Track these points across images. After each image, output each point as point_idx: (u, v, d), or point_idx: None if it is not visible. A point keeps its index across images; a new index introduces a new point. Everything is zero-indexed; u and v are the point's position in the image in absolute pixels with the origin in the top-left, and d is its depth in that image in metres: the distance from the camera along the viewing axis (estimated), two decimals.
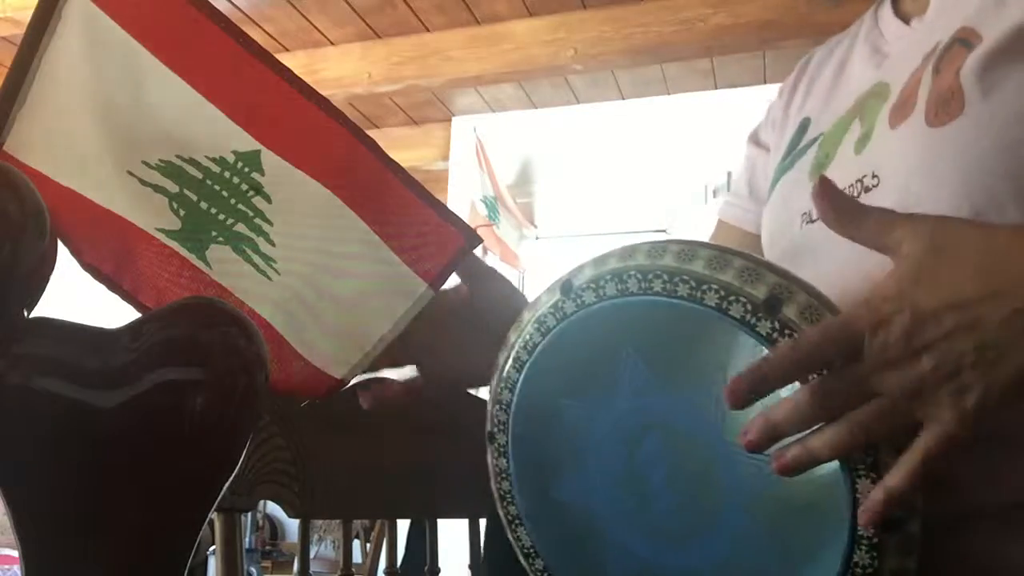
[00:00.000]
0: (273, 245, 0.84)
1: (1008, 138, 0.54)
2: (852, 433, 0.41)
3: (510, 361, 0.55)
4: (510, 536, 0.58)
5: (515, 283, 0.66)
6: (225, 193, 0.81)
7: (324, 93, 0.83)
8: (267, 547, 4.42)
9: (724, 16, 2.89)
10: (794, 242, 0.68)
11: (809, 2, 2.76)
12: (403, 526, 2.38)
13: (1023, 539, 0.51)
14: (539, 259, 3.64)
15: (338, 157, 0.83)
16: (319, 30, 3.24)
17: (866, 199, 0.62)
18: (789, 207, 0.72)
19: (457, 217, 0.94)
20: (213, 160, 0.80)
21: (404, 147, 3.93)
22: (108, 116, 0.77)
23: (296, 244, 0.85)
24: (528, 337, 0.54)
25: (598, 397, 0.52)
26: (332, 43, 3.33)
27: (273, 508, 4.02)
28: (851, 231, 0.46)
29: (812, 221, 0.67)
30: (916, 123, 0.59)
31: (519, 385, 0.55)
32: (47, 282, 0.48)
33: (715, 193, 3.32)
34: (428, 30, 3.23)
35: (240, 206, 0.82)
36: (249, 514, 3.50)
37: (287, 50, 3.36)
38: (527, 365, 0.54)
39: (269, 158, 0.80)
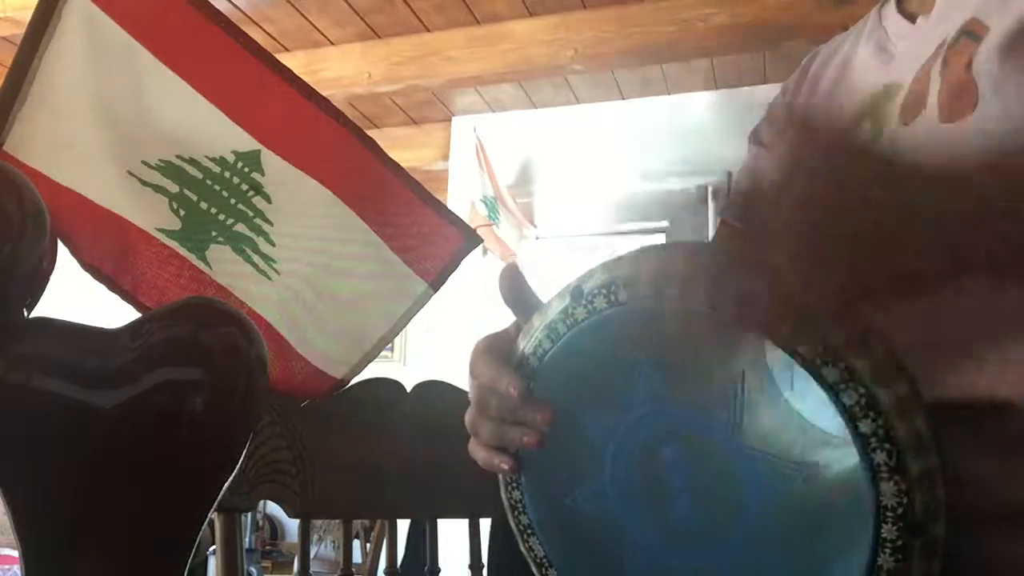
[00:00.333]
0: (273, 245, 0.84)
1: (1022, 130, 0.53)
2: None
3: (520, 368, 0.55)
4: (522, 546, 0.57)
5: None
6: (225, 193, 0.82)
7: (324, 93, 0.83)
8: (267, 547, 4.42)
9: (724, 16, 2.89)
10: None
11: (809, 2, 2.76)
12: (403, 526, 2.37)
13: None
14: (539, 259, 3.64)
15: (338, 157, 0.83)
16: (319, 30, 3.24)
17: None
18: None
19: (457, 217, 0.94)
20: (213, 160, 0.80)
21: (404, 147, 3.93)
22: (108, 116, 0.77)
23: (296, 244, 0.85)
24: (538, 343, 0.53)
25: (612, 403, 0.51)
26: (332, 43, 3.32)
27: (273, 508, 4.02)
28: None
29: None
30: (928, 119, 0.59)
31: (530, 393, 0.54)
32: (47, 282, 0.48)
33: (715, 193, 3.32)
34: (428, 30, 3.23)
35: (240, 206, 0.82)
36: (249, 514, 3.50)
37: (287, 50, 3.36)
38: (538, 372, 0.54)
39: (269, 158, 0.80)
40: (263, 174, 0.81)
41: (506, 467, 0.55)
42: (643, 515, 0.51)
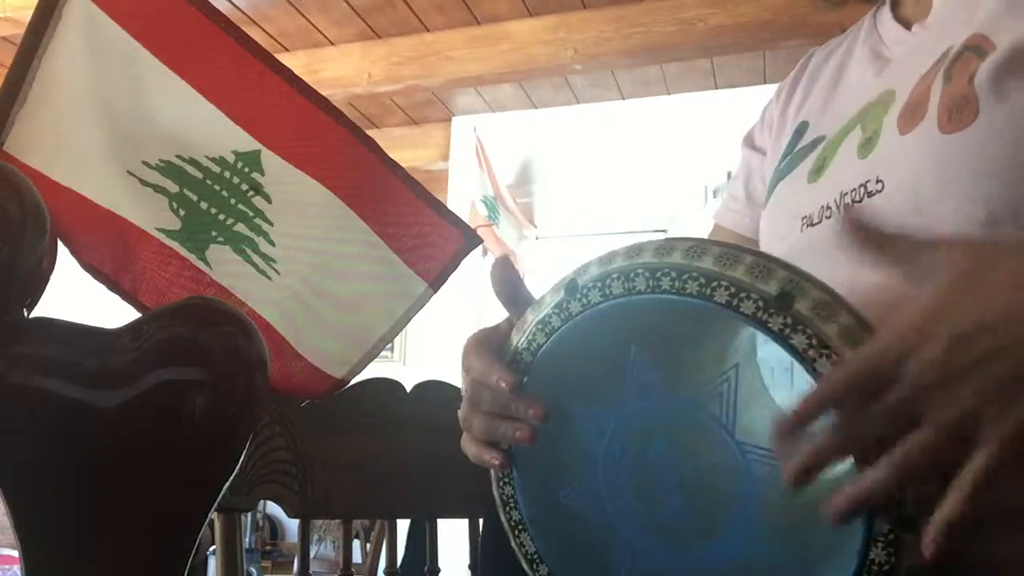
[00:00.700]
0: (273, 245, 0.84)
1: (1023, 143, 0.53)
2: (899, 468, 0.41)
3: (514, 363, 0.55)
4: (513, 542, 0.57)
5: None
6: (225, 193, 0.82)
7: (324, 93, 0.83)
8: (267, 547, 4.42)
9: (724, 16, 2.89)
10: (795, 246, 0.68)
11: (809, 2, 2.76)
12: (403, 526, 2.37)
13: None
14: (539, 259, 3.64)
15: (338, 157, 0.83)
16: (319, 30, 3.24)
17: (868, 203, 0.62)
18: (788, 210, 0.71)
19: (457, 217, 0.94)
20: (213, 160, 0.80)
21: (404, 147, 3.93)
22: (108, 116, 0.77)
23: (296, 244, 0.85)
24: (532, 338, 0.53)
25: (605, 398, 0.51)
26: (332, 43, 3.33)
27: (273, 508, 4.02)
28: (881, 260, 0.46)
29: (813, 225, 0.67)
30: (928, 129, 0.59)
31: (523, 387, 0.54)
32: (47, 282, 0.48)
33: (715, 193, 3.32)
34: (428, 30, 3.23)
35: (240, 206, 0.82)
36: (249, 514, 3.50)
37: (287, 50, 3.36)
38: (531, 367, 0.53)
39: (269, 158, 0.81)
40: (263, 174, 0.81)
41: (496, 463, 0.55)
42: (635, 511, 0.51)
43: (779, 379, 0.45)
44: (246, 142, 0.80)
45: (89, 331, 0.48)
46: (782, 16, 2.82)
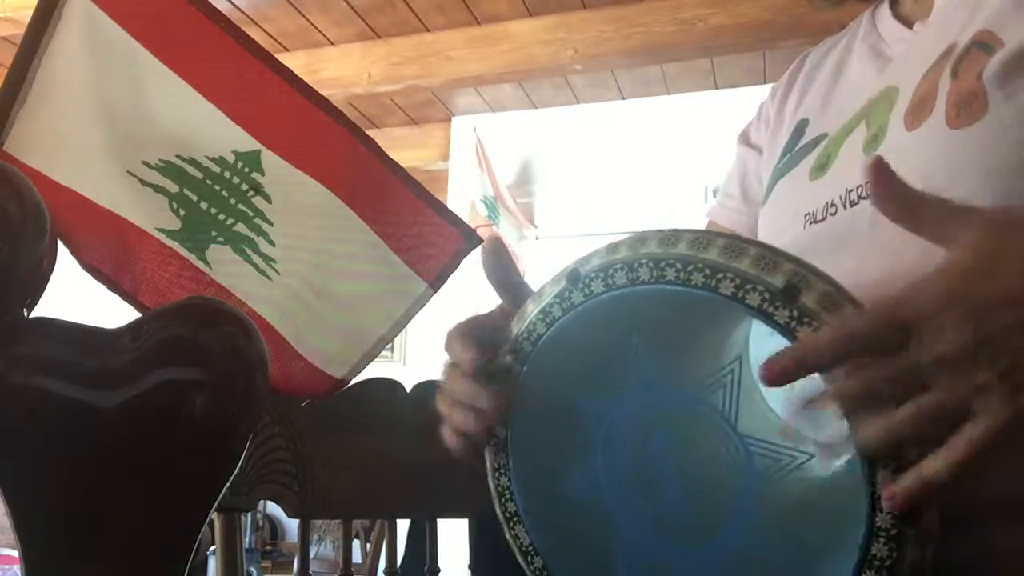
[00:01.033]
0: (273, 245, 0.84)
1: None
2: (902, 426, 0.40)
3: (512, 353, 0.54)
4: (508, 534, 0.57)
5: None
6: (225, 193, 0.82)
7: (324, 93, 0.83)
8: (267, 547, 4.42)
9: (724, 16, 2.89)
10: (796, 243, 0.68)
11: (809, 2, 2.76)
12: (403, 526, 2.37)
13: None
14: (539, 259, 3.64)
15: (338, 157, 0.83)
16: (319, 30, 3.24)
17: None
18: (789, 208, 0.71)
19: (457, 217, 0.94)
20: (213, 160, 0.80)
21: (404, 147, 3.93)
22: (108, 116, 0.77)
23: (296, 244, 0.85)
24: (532, 328, 0.53)
25: (606, 390, 0.51)
26: (332, 43, 3.32)
27: (273, 508, 4.02)
28: (906, 219, 0.45)
29: (817, 222, 0.67)
30: (936, 124, 0.59)
31: (521, 378, 0.54)
32: (47, 282, 0.48)
33: (715, 193, 3.31)
34: (428, 30, 3.23)
35: (240, 206, 0.82)
36: (249, 514, 3.50)
37: (287, 50, 3.36)
38: (531, 357, 0.53)
39: (269, 158, 0.80)
40: (263, 174, 0.81)
41: (461, 453, 0.55)
42: (634, 503, 0.51)
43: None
44: (246, 142, 0.80)
45: (89, 331, 0.48)
46: (782, 16, 2.82)
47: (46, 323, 0.47)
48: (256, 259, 0.84)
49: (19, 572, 0.46)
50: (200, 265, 0.83)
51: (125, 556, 0.47)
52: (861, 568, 0.43)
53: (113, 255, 0.82)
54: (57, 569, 0.46)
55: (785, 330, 0.44)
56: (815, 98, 0.77)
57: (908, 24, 0.71)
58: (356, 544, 3.64)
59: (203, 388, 0.47)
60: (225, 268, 0.84)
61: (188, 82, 0.77)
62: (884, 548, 0.43)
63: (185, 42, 0.77)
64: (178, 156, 0.80)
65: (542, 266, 3.58)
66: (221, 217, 0.83)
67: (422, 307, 0.94)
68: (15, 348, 0.45)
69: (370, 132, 0.97)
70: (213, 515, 0.72)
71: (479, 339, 0.55)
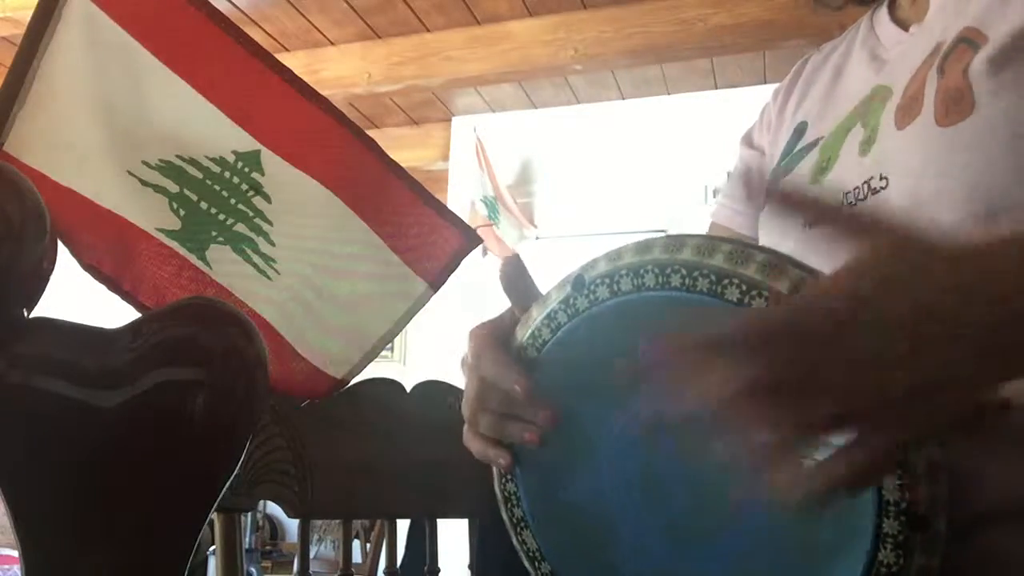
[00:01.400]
0: (273, 245, 0.84)
1: (1020, 136, 0.54)
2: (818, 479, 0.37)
3: (518, 359, 0.54)
4: (515, 540, 0.57)
5: None
6: (225, 193, 0.82)
7: (324, 93, 0.83)
8: (267, 547, 4.42)
9: (724, 16, 2.89)
10: (796, 246, 0.68)
11: (809, 2, 2.76)
12: (403, 526, 2.37)
13: None
14: (539, 259, 3.65)
15: (338, 157, 0.83)
16: (319, 30, 3.24)
17: (874, 201, 0.62)
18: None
19: (457, 217, 0.94)
20: (213, 160, 0.80)
21: (404, 147, 3.93)
22: (108, 116, 0.77)
23: (296, 244, 0.85)
24: (537, 334, 0.53)
25: (611, 395, 0.51)
26: (332, 43, 3.33)
27: (273, 508, 4.02)
28: (822, 222, 0.44)
29: (811, 226, 0.67)
30: (925, 123, 0.59)
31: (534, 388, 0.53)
32: (47, 282, 0.48)
33: (715, 193, 3.32)
34: (428, 30, 3.23)
35: (240, 206, 0.82)
36: (249, 514, 3.50)
37: (287, 50, 3.36)
38: (536, 363, 0.53)
39: (269, 158, 0.80)
40: (263, 174, 0.81)
41: (503, 462, 0.55)
42: (640, 509, 0.51)
43: None
44: (246, 142, 0.80)
45: (89, 331, 0.48)
46: (782, 16, 2.82)
47: (46, 323, 0.47)
48: (256, 259, 0.84)
49: (19, 572, 0.46)
50: (200, 265, 0.83)
51: (125, 556, 0.47)
52: (868, 574, 0.43)
53: (113, 255, 0.82)
54: (57, 569, 0.46)
55: None
56: (814, 101, 0.77)
57: (904, 27, 0.71)
58: (356, 544, 3.64)
59: (203, 388, 0.47)
60: (225, 268, 0.84)
61: (188, 82, 0.77)
62: (891, 554, 0.43)
63: (185, 42, 0.77)
64: (178, 156, 0.80)
65: (542, 266, 3.58)
66: (221, 217, 0.83)
67: (422, 307, 0.94)
68: (15, 348, 0.45)
69: (370, 132, 0.97)
70: (213, 515, 0.72)
71: (510, 350, 0.54)
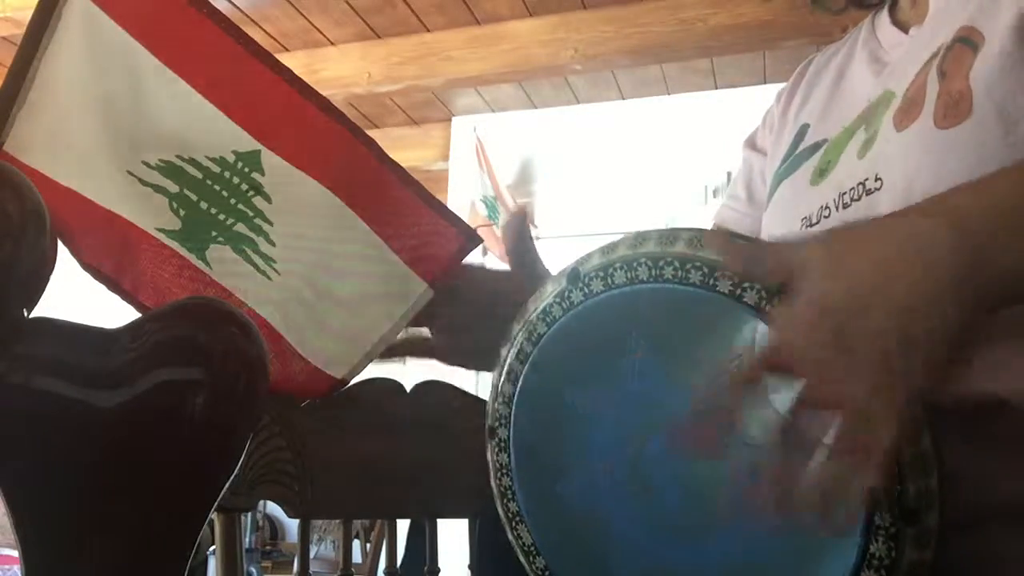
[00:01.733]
0: (273, 245, 0.84)
1: (1018, 139, 0.54)
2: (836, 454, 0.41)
3: (513, 352, 0.54)
4: (510, 534, 0.57)
5: None
6: (225, 193, 0.81)
7: (324, 93, 0.83)
8: (267, 547, 4.42)
9: (724, 16, 2.89)
10: None
11: (810, 9, 2.76)
12: (403, 526, 2.38)
13: None
14: None
15: (338, 157, 0.83)
16: (319, 30, 3.24)
17: (868, 201, 0.62)
18: (790, 212, 0.72)
19: (457, 217, 0.94)
20: (213, 160, 0.80)
21: (404, 147, 3.93)
22: (108, 116, 0.77)
23: (296, 244, 0.85)
24: (533, 327, 0.53)
25: (606, 389, 0.51)
26: (332, 43, 3.32)
27: (273, 508, 4.02)
28: (753, 274, 0.46)
29: (812, 225, 0.67)
30: (924, 124, 0.59)
31: (523, 377, 0.54)
32: (47, 282, 0.48)
33: (715, 193, 3.32)
34: (428, 30, 3.23)
35: (240, 206, 0.82)
36: (249, 514, 3.50)
37: (287, 50, 3.36)
38: (532, 356, 0.53)
39: (269, 158, 0.80)
40: (263, 174, 0.81)
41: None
42: (632, 504, 0.51)
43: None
44: (246, 142, 0.80)
45: (89, 331, 0.48)
46: (782, 16, 2.82)
47: (46, 323, 0.47)
48: (256, 259, 0.84)
49: (19, 572, 0.46)
50: (200, 265, 0.83)
51: (125, 556, 0.47)
52: (860, 567, 0.43)
53: (113, 255, 0.82)
54: (57, 569, 0.46)
55: None
56: (816, 103, 0.77)
57: (905, 29, 0.71)
58: (356, 544, 3.64)
59: (203, 388, 0.47)
60: (225, 268, 0.84)
61: (188, 82, 0.77)
62: (883, 547, 0.43)
63: (185, 42, 0.77)
64: (178, 156, 0.80)
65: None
66: (221, 217, 0.83)
67: (422, 307, 0.93)
68: (15, 348, 0.45)
69: (370, 132, 0.97)
70: (213, 515, 0.72)
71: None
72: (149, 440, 0.47)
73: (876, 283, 0.41)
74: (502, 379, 0.56)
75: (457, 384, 0.95)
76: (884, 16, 0.74)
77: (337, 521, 1.46)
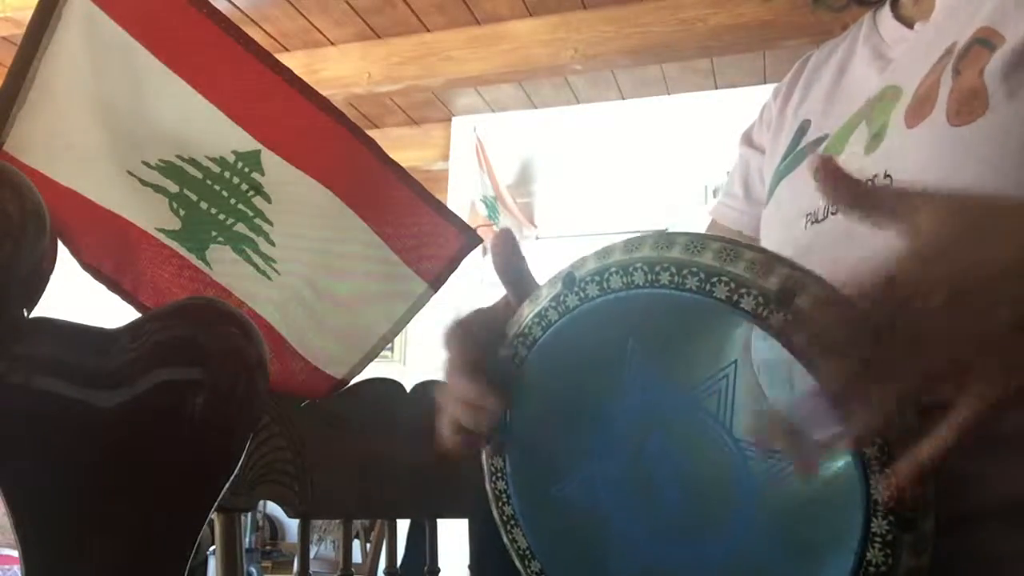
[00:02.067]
0: (273, 245, 0.84)
1: None
2: (877, 418, 0.40)
3: (508, 357, 0.54)
4: (505, 538, 0.57)
5: None
6: (225, 193, 0.82)
7: (324, 93, 0.83)
8: (267, 547, 4.42)
9: (724, 16, 2.89)
10: (798, 243, 0.68)
11: (809, 2, 2.76)
12: (403, 526, 2.37)
13: None
14: (539, 259, 3.64)
15: (338, 157, 0.83)
16: (319, 30, 3.24)
17: None
18: (791, 208, 0.72)
19: (457, 217, 0.94)
20: (213, 160, 0.80)
21: (404, 147, 3.93)
22: (108, 116, 0.77)
23: (296, 244, 0.85)
24: (528, 331, 0.53)
25: (601, 393, 0.51)
26: (332, 43, 3.32)
27: (273, 508, 4.02)
28: (858, 207, 0.45)
29: (817, 221, 0.67)
30: (937, 122, 0.59)
31: (518, 381, 0.54)
32: (47, 282, 0.48)
33: (715, 193, 3.32)
34: (428, 30, 3.23)
35: (240, 206, 0.82)
36: (249, 514, 3.50)
37: (287, 50, 3.36)
38: (527, 361, 0.53)
39: (269, 158, 0.80)
40: (263, 174, 0.81)
41: (457, 451, 0.55)
42: (630, 506, 0.51)
43: (778, 376, 0.45)
44: (246, 142, 0.80)
45: (89, 331, 0.48)
46: (782, 16, 2.82)
47: (46, 323, 0.47)
48: (256, 259, 0.84)
49: (19, 572, 0.46)
50: (200, 265, 0.83)
51: (125, 556, 0.47)
52: (856, 573, 0.43)
53: (113, 255, 0.82)
54: (57, 569, 0.46)
55: (780, 334, 0.43)
56: (817, 99, 0.77)
57: (909, 25, 0.71)
58: (356, 544, 3.64)
59: (203, 388, 0.47)
60: (225, 268, 0.84)
61: (188, 82, 0.77)
62: (879, 554, 0.43)
63: (185, 42, 0.77)
64: (178, 156, 0.80)
65: (542, 266, 3.58)
66: (221, 217, 0.83)
67: (422, 307, 0.93)
68: (15, 348, 0.45)
69: (370, 132, 0.97)
70: (213, 515, 0.72)
71: (478, 336, 0.54)
72: (149, 440, 0.47)
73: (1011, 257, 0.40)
74: None
75: None
76: (886, 11, 0.73)
77: (337, 521, 1.45)
